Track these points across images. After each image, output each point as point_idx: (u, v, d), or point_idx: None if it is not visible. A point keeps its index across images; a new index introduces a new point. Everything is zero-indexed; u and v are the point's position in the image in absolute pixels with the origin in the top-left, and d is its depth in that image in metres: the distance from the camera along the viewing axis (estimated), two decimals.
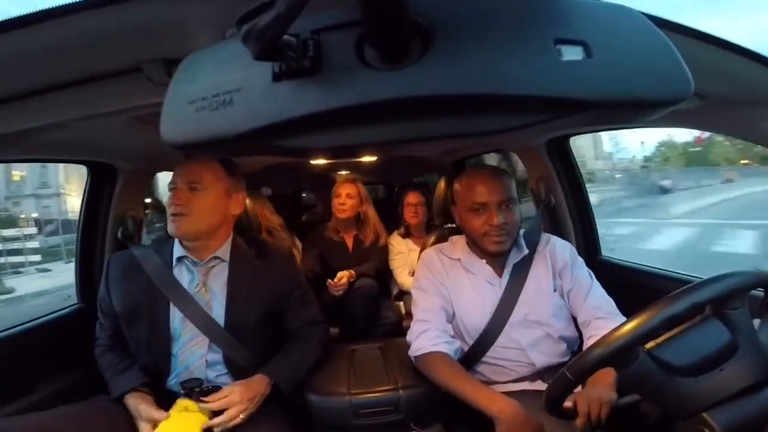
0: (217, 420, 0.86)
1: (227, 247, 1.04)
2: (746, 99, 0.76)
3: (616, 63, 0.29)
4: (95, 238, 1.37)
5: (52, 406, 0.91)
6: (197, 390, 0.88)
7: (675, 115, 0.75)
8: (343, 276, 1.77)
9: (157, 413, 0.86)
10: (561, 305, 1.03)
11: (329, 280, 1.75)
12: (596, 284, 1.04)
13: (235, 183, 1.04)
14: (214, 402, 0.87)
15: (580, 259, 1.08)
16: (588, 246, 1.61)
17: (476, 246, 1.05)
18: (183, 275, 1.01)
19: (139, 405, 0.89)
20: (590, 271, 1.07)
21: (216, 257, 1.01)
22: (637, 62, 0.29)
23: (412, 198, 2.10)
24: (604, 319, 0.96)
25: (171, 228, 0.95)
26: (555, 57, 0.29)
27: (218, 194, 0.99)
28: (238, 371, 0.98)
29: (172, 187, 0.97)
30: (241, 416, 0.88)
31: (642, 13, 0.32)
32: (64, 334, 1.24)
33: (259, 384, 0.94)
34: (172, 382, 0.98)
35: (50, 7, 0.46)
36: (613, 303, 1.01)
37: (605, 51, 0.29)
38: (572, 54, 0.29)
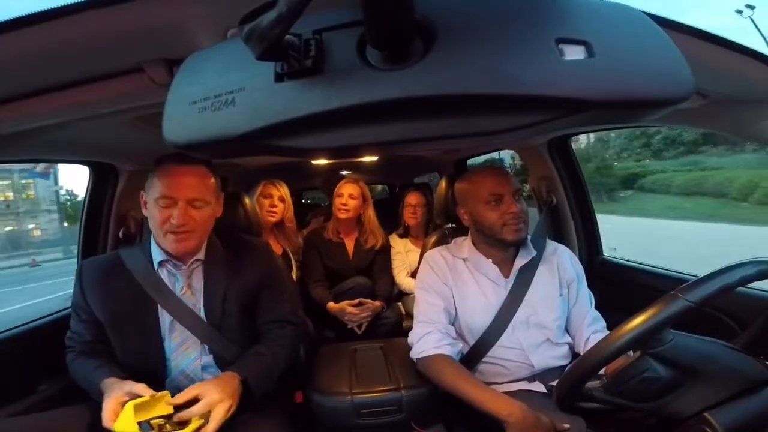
0: (210, 427, 0.78)
1: (204, 247, 1.03)
2: (748, 98, 0.76)
3: (617, 62, 0.29)
4: (97, 238, 1.37)
5: (52, 407, 0.91)
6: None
7: (676, 114, 0.75)
8: (368, 306, 1.69)
9: (140, 386, 0.79)
10: (564, 311, 1.05)
11: (348, 307, 1.68)
12: (593, 304, 1.08)
13: (218, 185, 1.02)
14: (193, 408, 0.79)
15: (582, 273, 1.11)
16: (589, 245, 1.61)
17: (493, 240, 1.04)
18: (166, 279, 0.99)
19: (114, 383, 0.82)
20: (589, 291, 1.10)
21: (197, 259, 1.01)
22: (638, 61, 0.29)
23: (412, 199, 2.08)
24: (600, 333, 1.01)
25: (172, 246, 0.92)
26: (557, 56, 0.29)
27: (215, 204, 0.98)
28: None
29: (169, 203, 0.90)
30: (229, 412, 0.81)
31: (644, 12, 0.32)
32: (65, 335, 1.24)
33: (231, 379, 0.88)
34: (169, 386, 0.96)
35: (51, 7, 0.46)
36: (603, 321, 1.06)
37: (607, 50, 0.29)
38: (574, 53, 0.29)
